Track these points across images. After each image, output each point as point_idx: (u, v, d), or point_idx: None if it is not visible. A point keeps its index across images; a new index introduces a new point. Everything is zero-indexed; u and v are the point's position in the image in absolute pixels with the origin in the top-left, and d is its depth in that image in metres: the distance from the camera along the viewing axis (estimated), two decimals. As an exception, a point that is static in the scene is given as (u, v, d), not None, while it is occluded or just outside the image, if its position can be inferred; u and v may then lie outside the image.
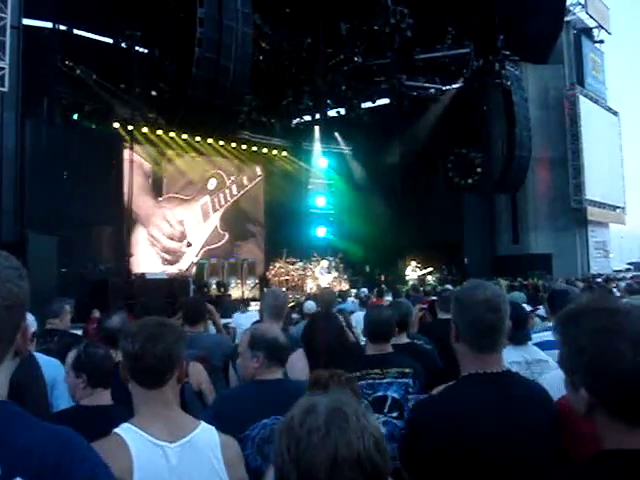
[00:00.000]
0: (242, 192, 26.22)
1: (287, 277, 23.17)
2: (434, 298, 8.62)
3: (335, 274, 23.72)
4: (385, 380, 4.07)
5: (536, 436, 2.23)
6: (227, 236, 25.30)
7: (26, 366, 3.03)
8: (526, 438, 2.19)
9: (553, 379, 2.73)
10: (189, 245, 23.85)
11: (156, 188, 23.88)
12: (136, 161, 23.11)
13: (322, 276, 23.23)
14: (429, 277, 24.83)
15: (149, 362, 2.27)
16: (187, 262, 24.16)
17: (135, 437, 2.15)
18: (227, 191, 25.35)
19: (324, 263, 23.72)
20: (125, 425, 2.20)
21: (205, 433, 2.30)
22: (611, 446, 1.54)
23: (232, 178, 25.44)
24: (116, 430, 2.18)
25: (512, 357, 3.72)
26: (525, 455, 2.15)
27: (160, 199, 23.88)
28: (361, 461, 1.32)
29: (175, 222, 24.11)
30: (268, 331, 3.38)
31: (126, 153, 22.64)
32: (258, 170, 27.33)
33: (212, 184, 25.02)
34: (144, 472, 2.10)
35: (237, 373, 4.21)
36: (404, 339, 5.17)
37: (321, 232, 29.33)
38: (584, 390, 1.57)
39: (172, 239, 24.07)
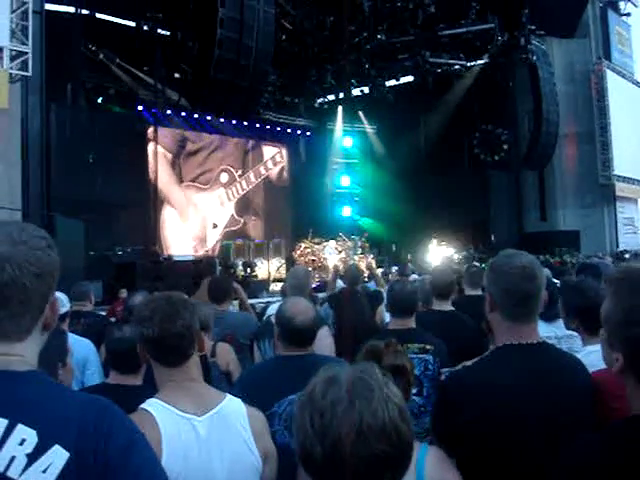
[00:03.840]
0: (260, 179, 26.13)
1: (313, 257, 23.17)
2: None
3: (344, 254, 23.64)
4: (406, 355, 4.04)
5: (571, 409, 2.19)
6: (245, 220, 25.32)
7: (57, 342, 3.03)
8: (560, 411, 2.16)
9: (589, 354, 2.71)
10: (215, 226, 23.94)
11: (177, 172, 23.91)
12: (160, 143, 23.24)
13: (330, 256, 23.19)
14: (456, 255, 24.70)
15: (171, 343, 2.26)
16: (212, 243, 24.30)
17: (162, 411, 2.15)
18: (238, 185, 25.34)
19: (331, 243, 23.67)
20: (152, 400, 2.20)
21: (232, 404, 2.30)
22: (638, 411, 1.52)
23: (239, 172, 25.34)
24: (143, 405, 2.18)
25: (543, 332, 3.68)
26: (559, 428, 2.11)
27: (182, 184, 23.95)
28: (387, 431, 1.31)
29: (197, 206, 24.24)
30: (288, 309, 3.33)
31: (150, 135, 22.75)
32: (283, 150, 27.16)
33: (224, 178, 25.02)
34: (173, 445, 2.10)
35: (261, 351, 4.21)
36: (449, 306, 5.15)
37: (346, 211, 29.34)
38: (618, 352, 1.55)
39: (196, 222, 24.23)
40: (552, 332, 3.75)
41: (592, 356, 2.63)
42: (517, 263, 2.29)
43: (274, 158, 26.77)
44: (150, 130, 22.79)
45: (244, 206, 25.50)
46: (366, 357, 2.44)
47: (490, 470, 2.09)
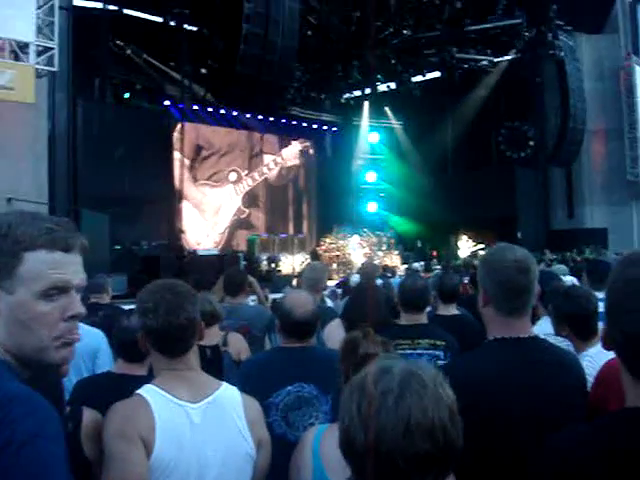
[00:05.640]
0: (261, 178, 26.79)
1: (337, 253, 23.19)
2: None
3: (367, 250, 23.62)
4: (416, 351, 4.01)
5: (559, 402, 2.18)
6: (250, 211, 26.38)
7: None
8: (548, 404, 2.15)
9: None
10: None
11: (193, 175, 24.57)
12: (186, 139, 23.54)
13: (355, 252, 23.20)
14: (481, 252, 24.56)
15: (174, 335, 2.27)
16: (221, 229, 25.29)
17: (157, 397, 2.17)
18: (244, 182, 26.16)
19: (356, 238, 23.68)
20: (148, 386, 2.22)
21: (227, 393, 2.31)
22: (630, 404, 1.50)
23: (245, 172, 26.08)
24: (138, 391, 2.21)
25: (546, 329, 3.66)
26: (545, 421, 2.10)
27: (197, 182, 24.60)
28: (434, 431, 1.27)
29: (210, 201, 24.98)
30: (287, 301, 3.36)
31: (177, 131, 22.94)
32: (281, 155, 27.55)
33: (232, 177, 25.84)
34: (166, 431, 2.12)
35: (272, 344, 4.24)
36: (454, 310, 5.13)
37: (372, 207, 29.32)
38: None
39: (210, 214, 24.96)
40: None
41: (585, 361, 2.62)
42: (510, 257, 2.27)
43: (274, 161, 27.15)
44: (178, 126, 22.98)
45: (249, 199, 26.33)
46: (345, 346, 2.47)
47: (476, 461, 2.10)
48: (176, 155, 23.45)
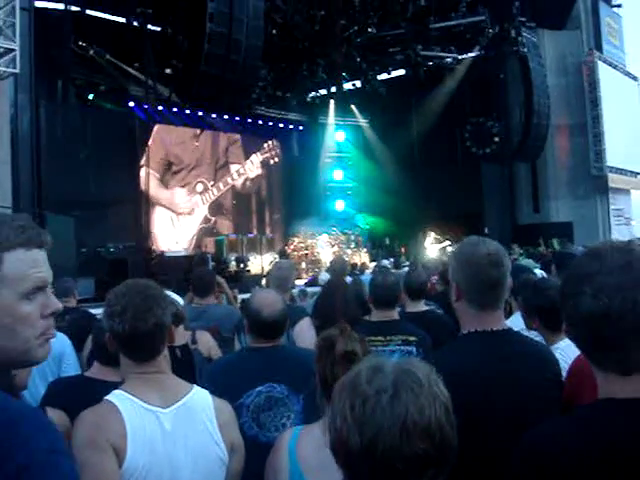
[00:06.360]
0: (226, 187, 26.97)
1: (306, 251, 23.20)
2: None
3: (336, 248, 23.70)
4: (388, 347, 4.01)
5: (539, 394, 2.19)
6: (216, 219, 26.61)
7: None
8: (529, 396, 2.15)
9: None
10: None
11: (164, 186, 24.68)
12: (155, 155, 23.76)
13: (323, 250, 23.24)
14: (449, 248, 24.71)
15: (141, 340, 2.21)
16: (188, 238, 25.29)
17: (127, 403, 2.13)
18: (210, 192, 26.47)
19: (324, 237, 23.74)
20: (117, 392, 2.18)
21: (198, 396, 2.28)
22: (602, 395, 1.51)
23: (211, 183, 26.30)
24: (107, 397, 2.16)
25: (519, 324, 3.67)
26: (528, 412, 2.10)
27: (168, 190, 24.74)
28: (431, 430, 1.25)
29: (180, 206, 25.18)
30: (255, 301, 3.32)
31: (140, 132, 22.75)
32: (247, 163, 27.63)
33: (199, 187, 26.07)
34: (138, 438, 2.08)
35: (241, 344, 4.22)
36: (422, 307, 5.13)
37: (340, 205, 29.38)
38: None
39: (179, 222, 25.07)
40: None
41: (556, 354, 2.63)
42: (483, 250, 2.26)
43: (238, 171, 27.19)
44: (141, 126, 22.80)
45: (215, 208, 26.43)
46: (321, 344, 2.44)
47: (459, 455, 2.09)
48: (145, 170, 23.41)
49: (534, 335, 3.25)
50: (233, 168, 26.99)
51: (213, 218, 26.13)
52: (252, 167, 27.53)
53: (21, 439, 1.20)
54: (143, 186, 22.99)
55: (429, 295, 6.16)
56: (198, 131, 25.30)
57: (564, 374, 2.46)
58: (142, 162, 23.03)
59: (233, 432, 2.32)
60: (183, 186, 25.22)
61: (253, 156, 27.53)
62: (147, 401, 2.15)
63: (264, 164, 27.90)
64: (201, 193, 25.88)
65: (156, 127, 23.80)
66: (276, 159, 28.10)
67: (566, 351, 2.87)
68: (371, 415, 1.25)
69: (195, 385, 2.33)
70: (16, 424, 1.23)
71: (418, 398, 1.26)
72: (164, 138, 24.32)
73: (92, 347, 3.43)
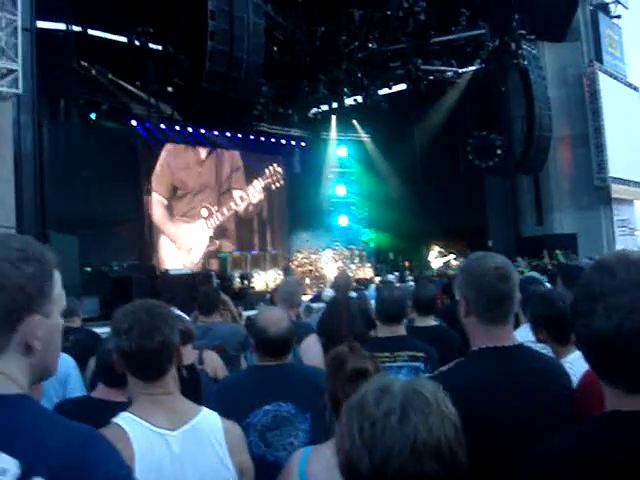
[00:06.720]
0: (230, 212, 26.93)
1: (310, 267, 23.16)
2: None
3: (340, 263, 23.66)
4: (396, 364, 3.95)
5: (550, 410, 2.16)
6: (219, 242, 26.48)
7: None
8: (540, 412, 2.12)
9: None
10: None
11: (170, 212, 24.68)
12: (162, 180, 23.78)
13: (327, 266, 23.21)
14: (453, 262, 24.67)
15: (148, 358, 2.19)
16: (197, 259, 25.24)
17: (135, 426, 2.11)
18: (214, 217, 26.37)
19: (328, 253, 23.71)
20: (124, 414, 2.15)
21: (207, 419, 2.25)
22: (610, 407, 1.49)
23: (215, 208, 26.24)
24: (115, 420, 2.13)
25: (526, 336, 3.63)
26: (539, 428, 2.08)
27: (173, 218, 24.72)
28: (442, 450, 1.24)
29: (185, 235, 25.10)
30: (261, 319, 3.30)
31: (143, 150, 22.80)
32: (250, 189, 27.66)
33: (204, 212, 25.95)
34: (146, 461, 2.05)
35: (247, 362, 4.20)
36: (431, 321, 5.07)
37: (343, 221, 29.37)
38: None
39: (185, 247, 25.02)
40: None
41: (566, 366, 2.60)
42: (490, 264, 2.24)
43: (241, 197, 27.15)
44: (144, 145, 22.83)
45: (219, 232, 26.32)
46: (331, 362, 2.41)
47: (472, 472, 2.07)
48: (155, 196, 23.52)
49: (541, 348, 3.22)
50: (236, 194, 27.03)
51: (217, 242, 26.13)
52: (254, 193, 27.50)
53: (95, 459, 1.28)
54: (148, 211, 23.06)
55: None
56: (203, 156, 25.36)
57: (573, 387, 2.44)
58: (148, 187, 23.12)
59: (243, 454, 2.30)
60: (188, 221, 25.17)
61: (255, 182, 27.46)
62: (155, 423, 2.12)
63: (266, 189, 27.90)
64: (206, 218, 25.91)
65: (163, 153, 23.82)
66: (277, 184, 28.04)
67: (575, 365, 2.84)
68: (380, 437, 1.24)
69: (204, 407, 2.30)
70: (89, 445, 1.30)
71: (427, 418, 1.25)
72: (170, 162, 24.30)
73: (96, 368, 3.40)
